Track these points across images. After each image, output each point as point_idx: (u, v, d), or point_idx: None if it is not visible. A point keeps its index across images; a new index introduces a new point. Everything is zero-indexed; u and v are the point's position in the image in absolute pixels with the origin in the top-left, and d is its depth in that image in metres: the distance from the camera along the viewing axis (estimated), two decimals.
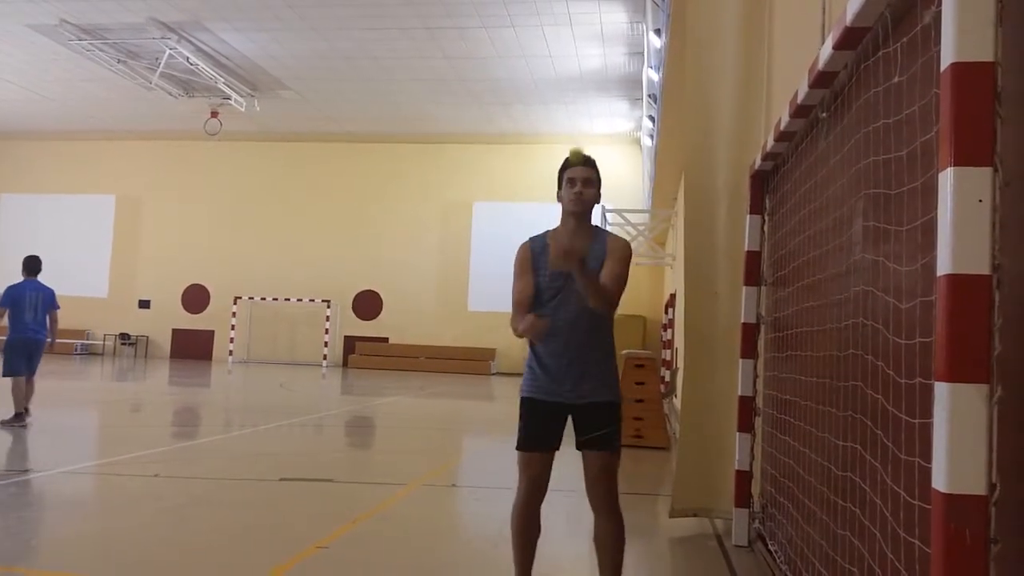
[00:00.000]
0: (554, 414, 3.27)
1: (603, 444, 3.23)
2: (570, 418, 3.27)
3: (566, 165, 3.36)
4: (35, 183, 30.94)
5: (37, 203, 30.80)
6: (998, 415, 1.52)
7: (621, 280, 3.25)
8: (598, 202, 3.36)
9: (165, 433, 9.49)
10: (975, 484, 1.49)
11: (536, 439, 3.29)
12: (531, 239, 3.40)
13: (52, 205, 30.68)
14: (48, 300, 9.06)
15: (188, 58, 20.30)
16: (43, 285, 9.12)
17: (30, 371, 8.92)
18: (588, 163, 3.36)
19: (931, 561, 1.57)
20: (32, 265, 9.09)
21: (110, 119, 27.68)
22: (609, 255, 3.31)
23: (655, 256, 21.31)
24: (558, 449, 3.29)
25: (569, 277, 3.21)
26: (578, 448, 3.28)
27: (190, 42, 20.03)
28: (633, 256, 3.46)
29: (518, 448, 3.32)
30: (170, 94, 23.12)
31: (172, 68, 21.29)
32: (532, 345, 3.32)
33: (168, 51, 19.98)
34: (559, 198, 3.38)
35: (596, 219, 3.40)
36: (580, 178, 3.32)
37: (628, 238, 14.78)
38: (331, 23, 18.61)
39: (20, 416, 8.77)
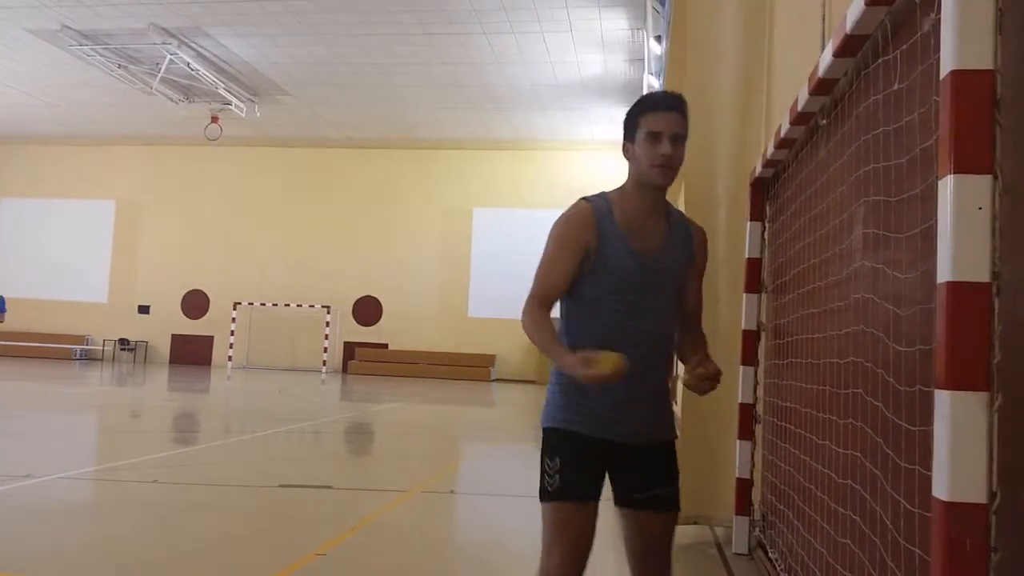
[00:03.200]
0: (601, 454, 2.32)
1: (670, 502, 2.38)
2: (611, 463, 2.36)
3: (645, 107, 2.27)
4: (35, 187, 30.95)
5: (37, 208, 30.79)
6: (998, 423, 1.52)
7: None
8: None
9: (164, 439, 9.47)
10: (976, 492, 1.48)
11: (581, 483, 2.27)
12: (591, 201, 2.32)
13: (52, 210, 30.67)
14: None
15: (189, 63, 20.33)
16: None
17: None
18: (679, 107, 2.26)
19: (931, 569, 1.56)
20: None
21: (110, 124, 27.70)
22: (697, 258, 2.44)
23: None
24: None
25: (665, 263, 2.30)
26: (628, 505, 2.36)
27: (191, 47, 20.07)
28: None
29: (551, 499, 2.27)
30: (170, 99, 23.15)
31: (173, 73, 21.33)
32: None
33: (169, 56, 20.00)
34: (628, 154, 2.32)
35: None
36: (669, 133, 2.23)
37: None
38: (332, 29, 18.65)
39: None
